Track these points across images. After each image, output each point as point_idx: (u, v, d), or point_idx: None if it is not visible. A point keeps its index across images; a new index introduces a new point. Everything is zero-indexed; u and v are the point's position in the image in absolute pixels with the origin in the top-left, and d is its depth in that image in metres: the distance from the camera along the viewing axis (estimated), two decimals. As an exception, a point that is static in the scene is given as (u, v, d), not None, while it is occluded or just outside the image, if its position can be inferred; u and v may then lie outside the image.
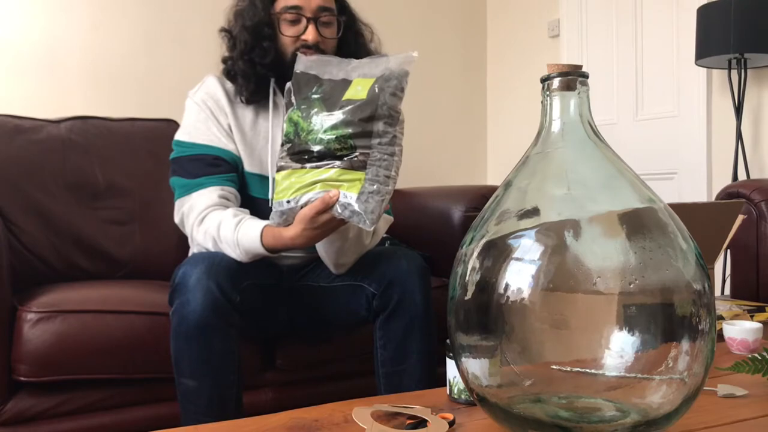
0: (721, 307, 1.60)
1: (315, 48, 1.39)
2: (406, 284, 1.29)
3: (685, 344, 0.67)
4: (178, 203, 1.38)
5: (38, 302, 1.39)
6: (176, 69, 2.48)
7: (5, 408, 1.36)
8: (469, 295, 0.73)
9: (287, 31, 1.40)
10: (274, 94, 1.46)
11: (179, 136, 1.43)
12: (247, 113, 1.45)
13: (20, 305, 1.38)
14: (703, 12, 2.30)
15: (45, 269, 1.76)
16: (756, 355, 0.96)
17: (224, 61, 1.45)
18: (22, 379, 1.35)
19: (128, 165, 1.93)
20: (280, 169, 1.21)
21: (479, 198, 1.92)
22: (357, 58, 1.44)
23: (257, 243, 1.25)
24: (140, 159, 1.96)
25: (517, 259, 0.70)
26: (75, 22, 2.38)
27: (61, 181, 1.84)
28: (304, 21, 1.39)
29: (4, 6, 2.27)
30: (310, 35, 1.38)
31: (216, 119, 1.42)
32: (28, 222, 1.77)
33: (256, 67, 1.41)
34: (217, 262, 1.23)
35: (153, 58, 2.49)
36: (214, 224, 1.30)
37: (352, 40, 1.47)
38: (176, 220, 1.40)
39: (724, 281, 2.33)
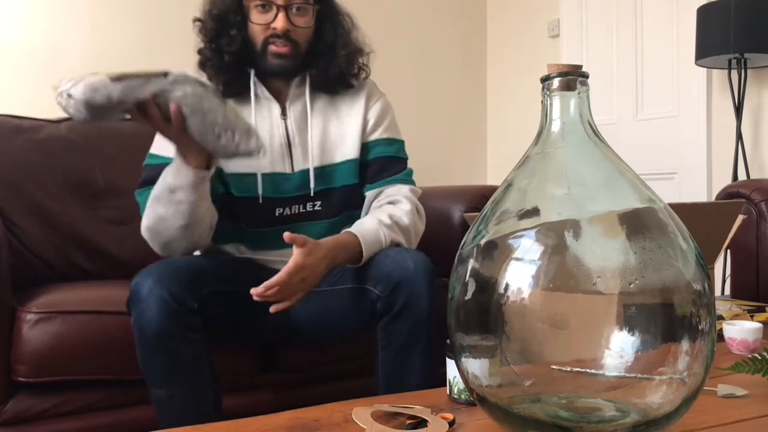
0: (721, 307, 1.60)
1: (285, 37, 1.34)
2: (413, 287, 1.24)
3: (685, 344, 0.67)
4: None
5: (37, 303, 1.39)
6: (176, 69, 2.48)
7: (5, 408, 1.36)
8: (469, 295, 0.73)
9: (257, 19, 1.35)
10: (255, 85, 1.41)
11: (152, 148, 1.41)
12: None
13: (20, 306, 1.38)
14: (703, 12, 2.30)
15: (45, 269, 1.76)
16: (756, 355, 0.96)
17: (199, 52, 1.41)
18: (22, 379, 1.35)
19: (128, 165, 1.93)
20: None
21: (479, 198, 1.92)
22: (335, 50, 1.41)
23: (181, 164, 1.22)
24: (140, 159, 1.95)
25: (517, 259, 0.70)
26: (75, 22, 2.38)
27: (61, 181, 1.84)
28: (274, 8, 1.34)
29: (4, 6, 2.27)
30: (279, 23, 1.33)
31: None
32: (28, 222, 1.76)
33: (224, 56, 1.37)
34: (171, 270, 1.19)
35: (153, 58, 2.49)
36: (150, 200, 1.28)
37: (330, 31, 1.42)
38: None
39: (724, 281, 2.33)
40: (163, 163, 1.33)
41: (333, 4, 1.45)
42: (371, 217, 1.35)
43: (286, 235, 1.19)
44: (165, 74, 1.18)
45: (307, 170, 1.40)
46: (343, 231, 1.32)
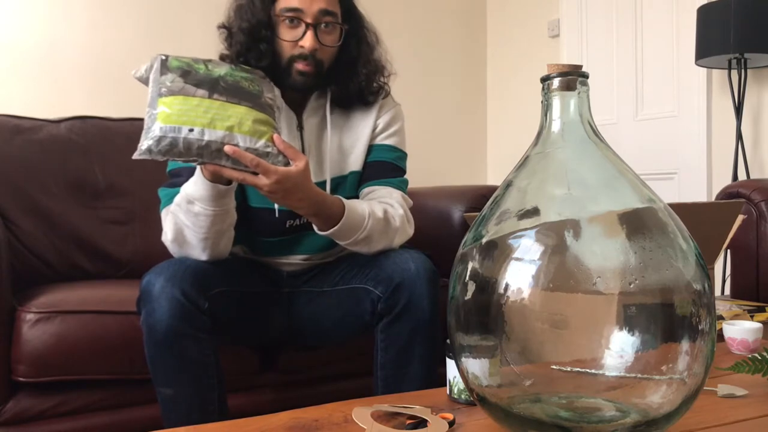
0: (721, 307, 1.60)
1: (311, 57, 1.31)
2: (414, 288, 1.24)
3: (685, 344, 0.67)
4: (163, 214, 1.31)
5: (37, 302, 1.39)
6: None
7: (5, 408, 1.36)
8: (469, 295, 0.73)
9: (285, 35, 1.32)
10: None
11: None
12: None
13: (19, 305, 1.38)
14: (703, 12, 2.30)
15: (45, 269, 1.76)
16: (756, 355, 0.96)
17: (222, 59, 1.37)
18: (21, 379, 1.35)
19: (128, 165, 1.93)
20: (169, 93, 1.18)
21: (479, 198, 1.92)
22: (356, 66, 1.39)
23: (199, 177, 1.21)
24: (140, 159, 1.95)
25: (517, 259, 0.70)
26: (75, 22, 2.38)
27: (61, 181, 1.84)
28: (303, 25, 1.30)
29: (4, 6, 2.27)
30: (307, 42, 1.30)
31: None
32: (28, 222, 1.77)
33: None
34: (182, 269, 1.19)
35: (153, 58, 2.49)
36: (172, 206, 1.27)
37: (354, 47, 1.39)
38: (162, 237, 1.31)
39: (724, 281, 2.33)
40: (181, 167, 1.32)
41: (361, 20, 1.43)
42: (366, 204, 1.32)
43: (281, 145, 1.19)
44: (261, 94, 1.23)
45: (322, 182, 1.38)
46: (335, 196, 1.31)
